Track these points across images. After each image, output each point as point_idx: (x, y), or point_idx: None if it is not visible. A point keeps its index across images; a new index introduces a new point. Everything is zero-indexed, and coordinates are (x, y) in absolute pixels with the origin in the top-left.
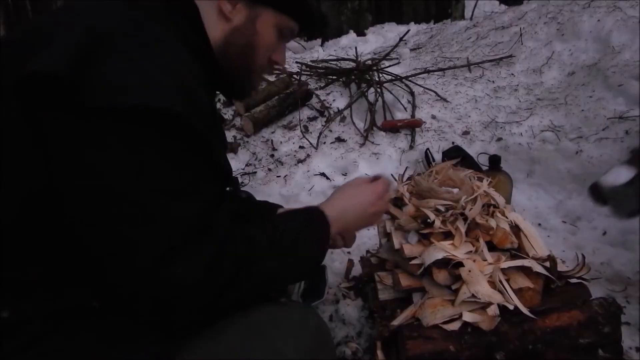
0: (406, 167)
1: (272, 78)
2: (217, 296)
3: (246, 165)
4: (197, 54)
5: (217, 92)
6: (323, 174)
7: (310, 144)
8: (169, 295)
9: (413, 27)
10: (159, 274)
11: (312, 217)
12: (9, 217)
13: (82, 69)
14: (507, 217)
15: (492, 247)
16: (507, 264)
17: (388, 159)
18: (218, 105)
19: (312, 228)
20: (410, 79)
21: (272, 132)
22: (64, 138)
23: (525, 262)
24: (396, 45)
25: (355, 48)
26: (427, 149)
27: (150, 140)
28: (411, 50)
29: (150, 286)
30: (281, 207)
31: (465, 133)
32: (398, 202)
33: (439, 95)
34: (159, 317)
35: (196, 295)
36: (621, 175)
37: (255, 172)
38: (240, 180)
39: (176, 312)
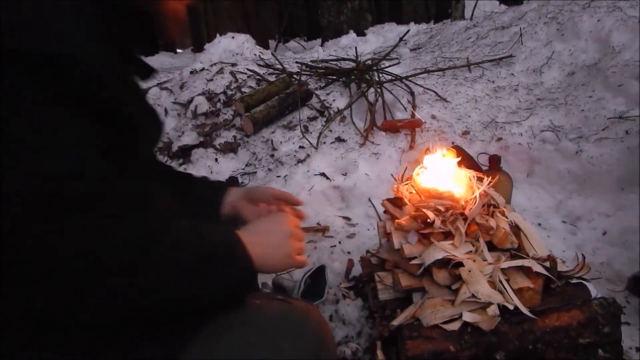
0: (406, 167)
1: (272, 78)
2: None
3: (246, 165)
4: (106, 5)
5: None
6: (323, 174)
7: (310, 144)
8: (40, 258)
9: (413, 27)
10: (24, 233)
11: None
12: None
13: None
14: (507, 217)
15: (492, 247)
16: (507, 264)
17: (388, 159)
18: (218, 105)
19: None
20: (410, 79)
21: (272, 132)
22: None
23: (525, 262)
24: (396, 45)
25: (355, 48)
26: (427, 149)
27: (36, 87)
28: (411, 50)
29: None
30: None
31: (465, 133)
32: (398, 202)
33: (439, 95)
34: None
35: (70, 258)
36: None
37: (255, 172)
38: (240, 180)
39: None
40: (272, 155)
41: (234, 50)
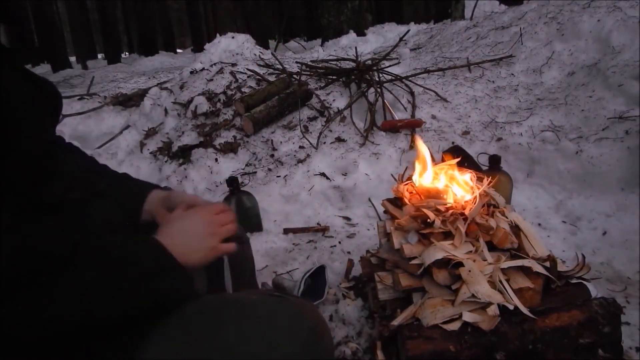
0: (406, 167)
1: (272, 78)
2: None
3: (246, 165)
4: None
5: None
6: (323, 174)
7: (310, 144)
8: None
9: (413, 27)
10: None
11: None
12: None
13: None
14: (507, 217)
15: (492, 247)
16: (507, 264)
17: (388, 159)
18: (218, 105)
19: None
20: (410, 79)
21: (272, 132)
22: None
23: (525, 262)
24: (396, 45)
25: (355, 48)
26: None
27: None
28: (411, 50)
29: None
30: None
31: (465, 133)
32: (398, 202)
33: (439, 95)
34: None
35: None
36: None
37: (255, 172)
38: (240, 180)
39: None
40: (272, 155)
41: (234, 50)
